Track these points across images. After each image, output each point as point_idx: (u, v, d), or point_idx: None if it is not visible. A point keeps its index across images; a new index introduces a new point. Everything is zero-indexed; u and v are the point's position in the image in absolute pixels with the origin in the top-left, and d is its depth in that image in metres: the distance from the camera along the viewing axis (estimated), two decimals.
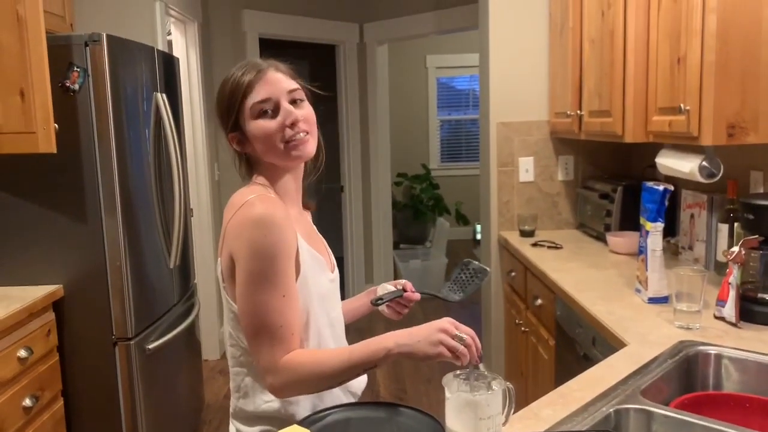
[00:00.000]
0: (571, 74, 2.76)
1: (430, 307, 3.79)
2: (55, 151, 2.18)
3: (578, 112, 2.71)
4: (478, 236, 6.81)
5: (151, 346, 2.53)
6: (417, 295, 1.46)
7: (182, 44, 3.81)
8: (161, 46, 3.14)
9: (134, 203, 2.46)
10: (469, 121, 7.76)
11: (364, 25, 5.01)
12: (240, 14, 4.29)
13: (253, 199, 1.18)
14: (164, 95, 2.73)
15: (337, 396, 1.30)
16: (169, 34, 3.74)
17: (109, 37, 2.29)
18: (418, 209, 7.10)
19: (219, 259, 1.26)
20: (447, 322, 1.12)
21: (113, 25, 2.91)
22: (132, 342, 2.42)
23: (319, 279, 1.28)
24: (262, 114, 1.22)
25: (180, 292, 2.94)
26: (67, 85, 2.26)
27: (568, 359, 2.13)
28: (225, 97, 1.25)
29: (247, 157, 1.30)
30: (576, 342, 2.04)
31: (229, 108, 1.24)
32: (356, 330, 1.41)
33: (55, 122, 2.18)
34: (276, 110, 1.22)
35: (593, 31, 2.52)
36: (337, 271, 1.39)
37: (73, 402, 2.42)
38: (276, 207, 1.17)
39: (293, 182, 1.31)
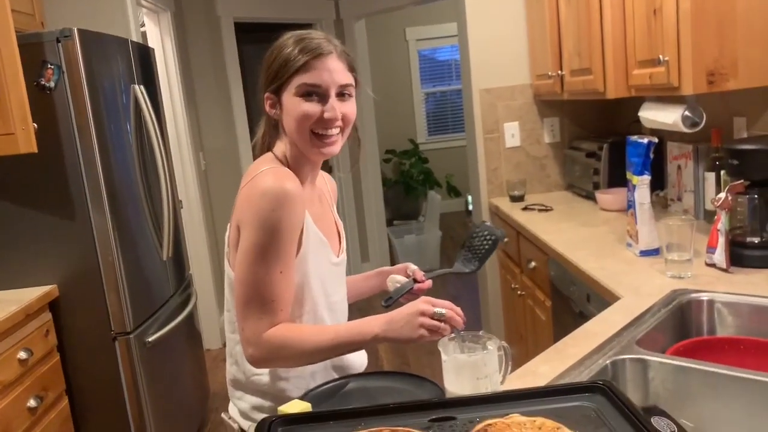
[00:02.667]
0: (549, 35, 2.75)
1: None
2: (36, 150, 2.16)
3: (559, 72, 2.70)
4: (471, 207, 6.83)
5: (150, 339, 2.54)
6: (428, 283, 1.40)
7: (156, 34, 3.76)
8: (135, 38, 3.10)
9: (121, 198, 2.45)
10: (454, 91, 7.72)
11: (340, 0, 4.95)
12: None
13: (267, 170, 1.17)
14: (142, 87, 2.70)
15: (332, 377, 1.30)
16: (143, 25, 3.69)
17: (80, 31, 2.26)
18: (408, 185, 7.10)
19: (229, 225, 1.25)
20: (423, 303, 1.13)
21: (84, 20, 2.87)
22: (131, 336, 2.43)
23: (321, 260, 1.28)
24: (306, 95, 1.19)
25: (176, 283, 2.94)
26: (43, 83, 2.23)
27: (564, 318, 2.15)
28: (278, 61, 1.20)
29: (275, 122, 1.28)
30: (571, 300, 2.06)
31: (278, 73, 1.20)
32: (358, 310, 1.41)
33: (34, 121, 2.16)
34: (322, 98, 1.19)
35: None
36: (344, 255, 1.37)
37: (78, 400, 2.42)
38: (288, 181, 1.15)
39: (310, 164, 1.29)
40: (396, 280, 1.41)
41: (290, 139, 1.24)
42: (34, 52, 2.21)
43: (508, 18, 3.07)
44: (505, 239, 1.45)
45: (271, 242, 1.13)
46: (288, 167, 1.23)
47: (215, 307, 4.14)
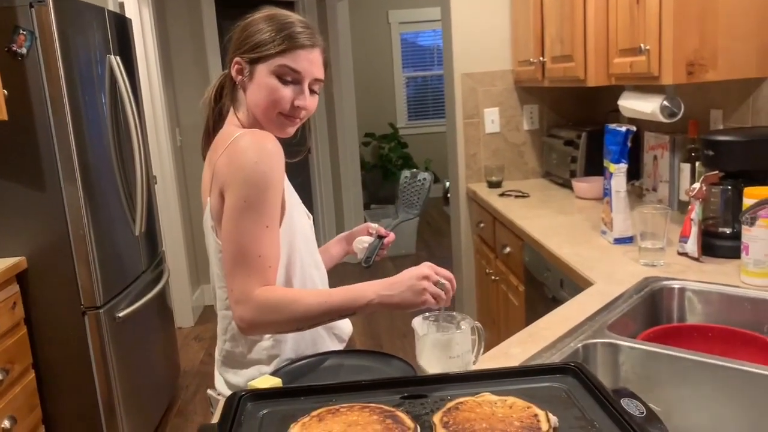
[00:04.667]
0: (532, 21, 2.74)
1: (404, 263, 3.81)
2: (5, 117, 2.11)
3: (541, 59, 2.70)
4: (449, 194, 6.85)
5: (121, 314, 2.50)
6: (392, 236, 1.46)
7: (135, 5, 3.67)
8: (112, 7, 3.03)
9: (94, 170, 2.40)
10: (435, 77, 7.69)
11: None
12: None
13: (243, 133, 1.18)
14: (118, 58, 2.64)
15: (321, 338, 1.31)
16: None
17: None
18: (387, 169, 7.08)
19: (208, 200, 1.24)
20: (428, 268, 1.12)
21: None
22: (101, 310, 2.39)
23: (302, 219, 1.30)
24: (282, 76, 1.20)
25: (148, 259, 2.90)
26: (14, 49, 2.17)
27: (537, 303, 2.16)
28: (261, 34, 1.20)
29: (234, 88, 1.27)
30: (545, 286, 2.07)
31: (259, 46, 1.20)
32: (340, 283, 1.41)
33: (4, 88, 2.10)
34: (296, 84, 1.21)
35: None
36: (311, 218, 1.39)
37: (45, 374, 2.39)
38: (268, 139, 1.16)
39: (267, 124, 1.28)
40: (362, 241, 1.45)
41: (251, 109, 1.25)
42: (5, 16, 2.15)
43: (491, 2, 3.06)
44: (432, 182, 1.60)
45: (257, 196, 1.12)
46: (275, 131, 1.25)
47: (188, 285, 4.10)
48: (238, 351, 1.28)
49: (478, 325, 1.08)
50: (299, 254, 1.26)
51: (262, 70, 1.20)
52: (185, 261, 4.06)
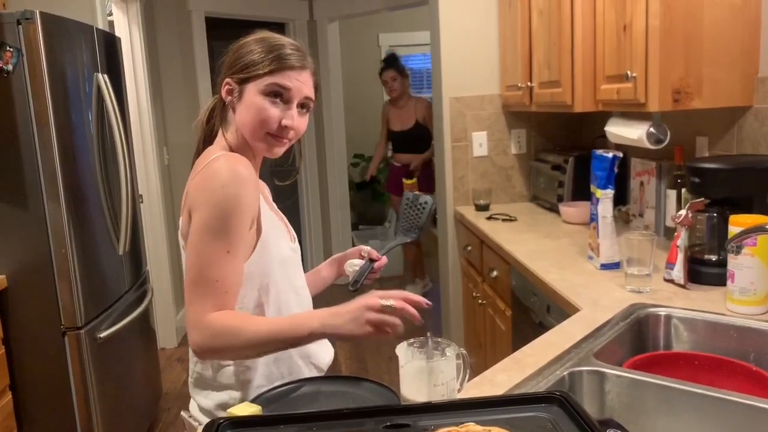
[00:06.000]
0: (520, 46, 2.76)
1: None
2: None
3: (529, 84, 2.71)
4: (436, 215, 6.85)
5: (102, 335, 2.46)
6: (384, 260, 1.44)
7: (125, 24, 3.67)
8: (102, 26, 3.03)
9: (78, 188, 2.37)
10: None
11: (314, 2, 4.93)
12: None
13: (220, 155, 1.17)
14: (106, 76, 2.63)
15: (297, 367, 1.29)
16: (110, 14, 3.60)
17: (42, 14, 2.19)
18: (375, 190, 7.08)
19: (180, 220, 1.23)
20: (371, 297, 1.10)
21: (50, 5, 2.77)
22: (82, 331, 2.35)
23: (280, 243, 1.28)
24: (271, 95, 1.20)
25: (131, 279, 2.86)
26: (0, 66, 2.15)
27: (524, 328, 2.15)
28: (251, 55, 1.21)
29: (223, 109, 1.27)
30: (531, 311, 2.06)
31: (248, 66, 1.20)
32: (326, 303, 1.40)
33: None
34: (285, 103, 1.21)
35: (541, 2, 2.52)
36: (297, 242, 1.38)
37: (23, 396, 2.33)
38: (241, 164, 1.15)
39: (254, 159, 1.28)
40: (354, 264, 1.43)
41: (239, 128, 1.24)
42: None
43: (480, 27, 3.09)
44: (434, 205, 1.58)
45: (220, 220, 1.11)
46: (252, 155, 1.25)
47: (172, 305, 4.05)
48: (207, 374, 1.26)
49: (464, 352, 1.06)
50: (274, 278, 1.24)
51: (251, 90, 1.20)
52: (170, 280, 4.01)
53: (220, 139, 1.28)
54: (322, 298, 1.41)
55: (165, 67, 4.15)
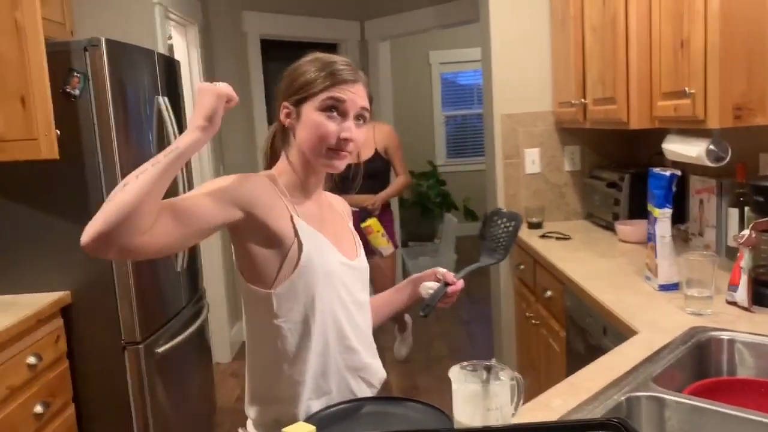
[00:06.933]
0: (573, 63, 2.74)
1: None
2: (57, 157, 2.18)
3: (582, 100, 2.68)
4: None
5: (160, 350, 2.53)
6: (460, 284, 1.41)
7: (183, 47, 3.80)
8: (162, 50, 3.14)
9: None
10: (475, 116, 7.71)
11: (365, 22, 4.99)
12: (240, 16, 4.29)
13: None
14: (166, 98, 2.72)
15: (345, 381, 1.30)
16: (170, 38, 3.73)
17: (108, 41, 2.29)
18: (425, 206, 7.08)
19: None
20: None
21: (113, 31, 2.90)
22: (141, 346, 2.42)
23: (327, 257, 1.28)
24: (328, 109, 1.24)
25: (188, 295, 2.93)
26: (68, 90, 2.26)
27: (579, 350, 2.11)
28: (304, 76, 1.25)
29: (284, 133, 1.31)
30: (587, 332, 2.02)
31: (303, 87, 1.25)
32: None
33: (57, 128, 2.18)
34: (342, 116, 1.25)
35: (595, 19, 2.49)
36: (360, 260, 1.38)
37: (84, 408, 2.41)
38: (257, 176, 1.24)
39: (315, 176, 1.32)
40: (428, 286, 1.41)
41: (300, 147, 1.28)
42: (61, 59, 2.24)
43: (532, 44, 3.07)
44: (522, 222, 1.49)
45: (225, 178, 1.20)
46: (295, 174, 1.29)
47: (227, 321, 4.13)
48: (259, 388, 1.29)
49: (518, 375, 1.05)
50: (319, 292, 1.25)
51: (309, 108, 1.24)
52: (224, 296, 4.10)
53: (281, 161, 1.32)
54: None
55: None
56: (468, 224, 7.39)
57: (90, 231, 1.05)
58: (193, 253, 2.99)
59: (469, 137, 7.82)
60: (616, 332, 1.69)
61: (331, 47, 5.01)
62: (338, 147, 1.24)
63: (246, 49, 4.28)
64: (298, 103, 1.26)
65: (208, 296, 3.36)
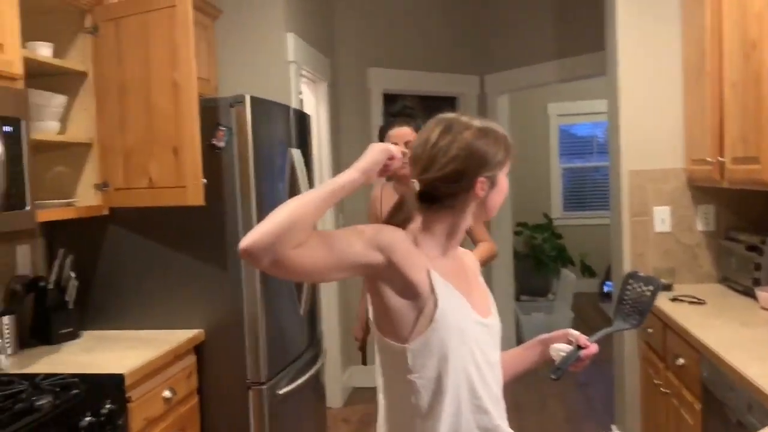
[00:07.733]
0: (710, 119, 2.62)
1: None
2: (203, 203, 2.33)
3: (719, 158, 2.55)
4: (606, 289, 6.50)
5: (281, 391, 2.60)
6: (594, 347, 1.38)
7: (313, 102, 4.01)
8: (294, 104, 3.33)
9: None
10: (593, 168, 7.53)
11: (485, 76, 5.05)
12: (365, 72, 4.48)
13: None
14: (298, 150, 2.88)
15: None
16: (300, 93, 3.96)
17: (251, 98, 2.46)
18: (539, 259, 6.91)
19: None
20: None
21: (251, 86, 3.12)
22: (264, 387, 2.51)
23: (461, 315, 1.29)
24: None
25: (308, 338, 3.02)
26: (214, 143, 2.44)
27: (718, 425, 1.96)
28: (495, 146, 1.33)
29: (454, 201, 1.33)
30: (727, 407, 1.88)
31: (498, 158, 1.32)
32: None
33: (203, 177, 2.34)
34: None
35: (735, 75, 2.39)
36: (493, 319, 1.37)
37: None
38: (396, 228, 1.30)
39: (456, 238, 1.36)
40: (559, 348, 1.38)
41: (489, 212, 1.35)
42: (209, 114, 2.42)
43: (663, 100, 2.98)
44: (661, 288, 1.44)
45: (352, 227, 1.26)
46: (434, 236, 1.32)
47: (339, 365, 4.19)
48: None
49: None
50: (453, 349, 1.25)
51: (501, 176, 1.34)
52: (338, 340, 4.17)
53: (416, 223, 1.34)
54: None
55: (345, 139, 4.44)
56: (585, 281, 7.13)
57: (252, 236, 1.12)
58: (314, 298, 3.08)
59: (588, 190, 7.62)
60: (764, 410, 1.57)
61: (449, 100, 5.11)
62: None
63: (369, 103, 4.45)
64: (495, 174, 1.32)
65: (324, 341, 3.44)
